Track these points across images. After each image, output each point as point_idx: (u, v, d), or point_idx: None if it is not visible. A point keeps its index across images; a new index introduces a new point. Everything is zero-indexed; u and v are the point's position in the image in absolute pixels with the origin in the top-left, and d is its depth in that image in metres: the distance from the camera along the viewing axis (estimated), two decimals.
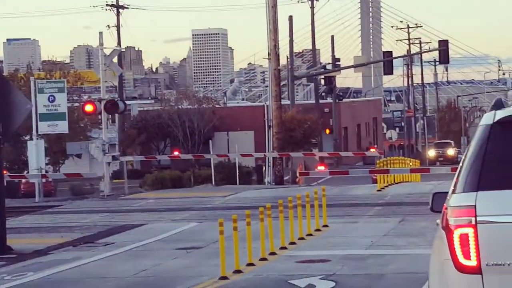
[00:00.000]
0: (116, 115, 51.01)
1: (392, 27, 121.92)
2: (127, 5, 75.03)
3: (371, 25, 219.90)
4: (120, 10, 73.44)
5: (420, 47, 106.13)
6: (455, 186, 6.57)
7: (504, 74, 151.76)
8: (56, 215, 31.47)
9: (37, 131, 41.88)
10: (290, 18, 70.86)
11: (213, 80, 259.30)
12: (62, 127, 42.46)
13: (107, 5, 73.47)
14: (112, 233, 23.84)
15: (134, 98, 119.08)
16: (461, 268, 6.23)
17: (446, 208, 6.53)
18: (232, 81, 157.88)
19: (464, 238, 6.24)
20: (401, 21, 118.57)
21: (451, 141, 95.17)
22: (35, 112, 40.65)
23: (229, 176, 48.57)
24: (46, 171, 46.53)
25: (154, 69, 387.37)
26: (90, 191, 47.05)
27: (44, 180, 43.81)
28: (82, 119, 60.52)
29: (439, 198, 7.11)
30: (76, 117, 58.20)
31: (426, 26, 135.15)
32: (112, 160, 43.07)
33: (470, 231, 6.21)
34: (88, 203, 37.47)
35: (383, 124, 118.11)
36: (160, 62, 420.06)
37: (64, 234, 23.83)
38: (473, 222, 6.21)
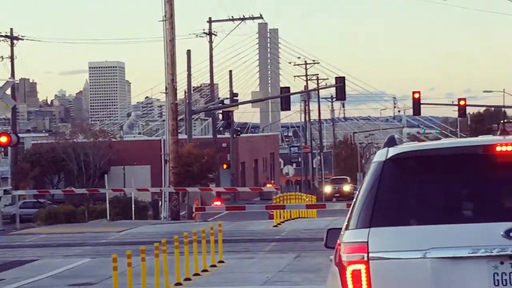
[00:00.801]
0: (9, 148, 50.24)
1: (290, 63, 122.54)
2: (22, 36, 73.83)
3: (269, 60, 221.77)
4: (15, 41, 72.23)
5: (318, 83, 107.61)
6: (348, 222, 6.54)
7: (399, 111, 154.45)
8: None
9: None
10: (188, 52, 70.97)
11: (109, 114, 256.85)
12: None
13: (0, 35, 72.17)
14: (2, 269, 23.23)
15: (28, 131, 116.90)
16: None
17: (340, 244, 6.50)
18: (129, 114, 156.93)
19: (356, 275, 6.22)
20: (299, 57, 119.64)
21: (348, 177, 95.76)
22: None
23: (124, 211, 47.99)
24: None
25: (49, 102, 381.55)
26: None
27: None
28: None
29: (333, 234, 7.05)
30: None
31: (324, 63, 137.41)
32: (4, 193, 42.43)
33: (362, 267, 6.20)
34: None
35: (280, 160, 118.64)
36: (56, 95, 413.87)
37: None
38: (365, 259, 6.21)
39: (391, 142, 6.85)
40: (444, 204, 6.46)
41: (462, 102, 65.47)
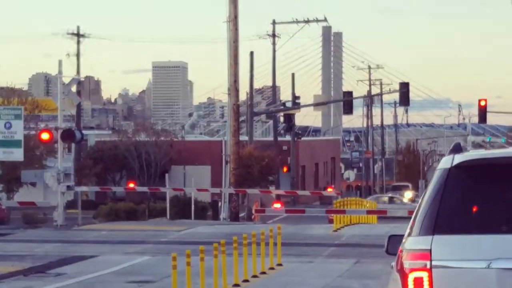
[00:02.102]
0: (73, 144, 50.64)
1: (353, 67, 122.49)
2: (88, 34, 74.80)
3: (332, 64, 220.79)
4: (81, 39, 73.21)
5: (381, 89, 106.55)
6: (411, 229, 6.48)
7: (464, 119, 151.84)
8: (8, 244, 30.92)
9: None
10: (251, 54, 70.80)
11: (171, 113, 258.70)
12: (17, 154, 41.79)
13: (67, 33, 73.15)
14: (64, 264, 23.37)
15: (91, 128, 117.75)
16: None
17: (402, 251, 6.45)
18: (191, 114, 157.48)
19: (418, 282, 6.15)
20: (363, 62, 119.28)
21: (409, 184, 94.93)
22: None
23: (184, 211, 48.00)
24: (0, 198, 46.00)
25: (112, 100, 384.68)
26: (43, 220, 46.28)
27: None
28: (38, 147, 59.74)
29: (395, 241, 7.00)
30: (32, 145, 57.38)
31: (388, 68, 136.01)
32: (67, 189, 42.52)
33: (424, 275, 6.15)
34: (41, 233, 36.74)
35: (341, 164, 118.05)
36: (119, 93, 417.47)
37: (15, 263, 23.33)
38: (428, 266, 6.14)
39: (457, 149, 6.78)
40: (511, 213, 6.30)
41: None
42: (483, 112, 61.48)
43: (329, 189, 73.97)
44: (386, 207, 60.87)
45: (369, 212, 45.41)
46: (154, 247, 28.62)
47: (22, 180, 53.74)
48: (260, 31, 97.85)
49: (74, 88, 46.67)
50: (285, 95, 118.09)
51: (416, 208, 6.68)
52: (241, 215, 49.20)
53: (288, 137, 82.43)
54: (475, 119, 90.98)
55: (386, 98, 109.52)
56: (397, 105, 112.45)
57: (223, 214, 47.43)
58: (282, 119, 79.02)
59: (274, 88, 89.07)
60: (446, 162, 6.56)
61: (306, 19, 79.08)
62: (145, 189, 53.48)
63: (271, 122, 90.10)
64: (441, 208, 6.29)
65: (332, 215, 40.10)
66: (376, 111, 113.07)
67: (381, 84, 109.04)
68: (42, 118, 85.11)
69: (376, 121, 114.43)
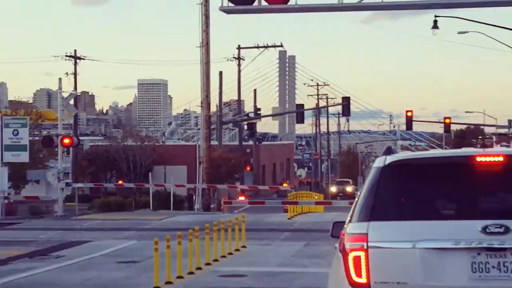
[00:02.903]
0: (71, 148, 49.93)
1: (304, 84, 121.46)
2: (84, 56, 73.72)
3: (287, 81, 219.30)
4: (78, 60, 72.12)
5: (327, 102, 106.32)
6: (351, 217, 6.43)
7: (394, 126, 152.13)
8: (16, 231, 30.20)
9: (1, 160, 40.39)
10: (220, 73, 70.77)
11: (154, 122, 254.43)
12: (23, 157, 40.90)
13: (66, 55, 72.05)
14: (63, 248, 22.81)
15: (86, 135, 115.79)
16: (354, 285, 6.11)
17: (344, 235, 6.41)
18: (170, 123, 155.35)
19: (357, 260, 6.12)
20: (312, 80, 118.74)
21: (350, 180, 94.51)
22: (0, 143, 39.44)
23: (164, 203, 47.05)
24: (9, 193, 44.87)
25: (104, 111, 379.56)
26: (46, 211, 45.07)
27: (6, 201, 42.21)
28: (41, 150, 58.84)
29: (338, 226, 6.96)
30: (36, 149, 56.48)
31: (333, 84, 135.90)
32: (66, 186, 41.80)
33: (362, 254, 6.10)
34: (44, 222, 35.91)
35: (295, 164, 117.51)
36: (110, 106, 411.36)
37: (21, 248, 22.75)
38: (365, 247, 6.11)
39: (389, 152, 6.71)
40: (432, 204, 6.34)
41: (447, 120, 64.40)
42: (409, 121, 61.38)
43: (285, 184, 73.43)
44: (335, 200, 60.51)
45: (317, 203, 44.95)
46: (139, 233, 27.99)
47: (28, 178, 52.99)
48: (227, 54, 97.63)
49: (71, 101, 45.87)
50: (248, 107, 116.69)
51: (356, 200, 6.65)
52: (212, 206, 48.39)
53: (251, 142, 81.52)
54: (403, 127, 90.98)
55: (331, 109, 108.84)
56: (340, 115, 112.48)
57: (197, 205, 46.67)
58: (246, 127, 78.74)
59: (239, 101, 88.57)
60: (379, 162, 6.52)
61: (266, 45, 78.62)
62: (131, 185, 52.57)
63: (237, 129, 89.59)
64: (376, 199, 6.26)
65: (287, 205, 39.35)
66: (323, 120, 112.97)
67: (327, 98, 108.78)
68: (45, 127, 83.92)
69: (323, 128, 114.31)
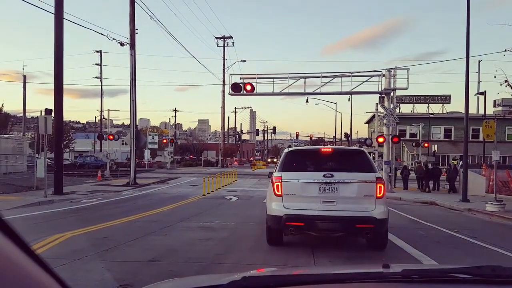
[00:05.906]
0: (173, 144, 75.40)
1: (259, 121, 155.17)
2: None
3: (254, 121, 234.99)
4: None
5: (264, 128, 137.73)
6: (275, 169, 11.28)
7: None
8: (152, 173, 46.78)
9: (147, 147, 61.85)
10: (228, 118, 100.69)
11: (201, 133, 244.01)
12: (155, 146, 67.31)
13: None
14: (170, 179, 36.46)
15: (178, 139, 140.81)
16: (276, 195, 10.81)
17: (272, 176, 11.05)
18: (209, 135, 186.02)
19: (277, 186, 10.72)
20: (266, 122, 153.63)
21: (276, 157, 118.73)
22: (147, 142, 57.32)
23: (208, 163, 75.22)
24: (149, 160, 69.15)
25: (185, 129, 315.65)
26: (163, 166, 69.35)
27: (149, 162, 66.66)
28: (161, 145, 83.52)
29: (271, 173, 11.72)
30: (162, 145, 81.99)
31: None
32: (170, 157, 70.11)
33: (279, 183, 10.67)
34: (162, 170, 55.14)
35: (256, 152, 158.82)
36: (188, 127, 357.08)
37: (154, 179, 35.29)
38: (280, 181, 10.70)
39: (289, 146, 12.55)
40: (305, 165, 11.03)
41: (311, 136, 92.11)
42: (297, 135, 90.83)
43: (252, 159, 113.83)
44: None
45: (264, 165, 76.99)
46: (198, 175, 41.50)
47: (154, 158, 79.54)
48: (231, 109, 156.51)
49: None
50: (239, 129, 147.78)
51: (276, 163, 11.69)
52: (224, 165, 73.16)
53: (239, 142, 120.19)
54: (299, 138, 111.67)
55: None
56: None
57: (219, 164, 71.49)
58: (237, 136, 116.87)
59: (235, 128, 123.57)
60: (286, 150, 11.58)
61: (245, 106, 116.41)
62: (195, 157, 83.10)
63: (236, 137, 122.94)
64: (284, 163, 11.08)
65: (252, 165, 69.49)
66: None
67: (265, 127, 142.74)
68: (164, 136, 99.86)
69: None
